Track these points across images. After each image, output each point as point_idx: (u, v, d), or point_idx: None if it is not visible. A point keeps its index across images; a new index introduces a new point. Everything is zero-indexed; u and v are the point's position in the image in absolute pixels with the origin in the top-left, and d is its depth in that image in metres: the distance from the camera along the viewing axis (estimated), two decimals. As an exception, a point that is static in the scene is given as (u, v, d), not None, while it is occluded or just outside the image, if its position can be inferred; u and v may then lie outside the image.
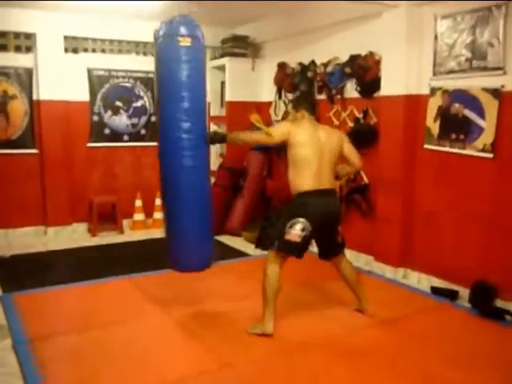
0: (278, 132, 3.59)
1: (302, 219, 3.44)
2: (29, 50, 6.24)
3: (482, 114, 4.10)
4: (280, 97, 6.51)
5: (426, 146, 4.60)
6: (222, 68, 7.08)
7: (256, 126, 3.91)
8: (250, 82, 6.89)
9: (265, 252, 3.60)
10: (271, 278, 3.48)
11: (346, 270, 3.85)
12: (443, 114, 4.42)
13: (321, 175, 3.53)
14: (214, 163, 7.32)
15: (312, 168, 3.51)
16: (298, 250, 3.50)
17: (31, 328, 3.63)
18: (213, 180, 7.17)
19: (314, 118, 3.72)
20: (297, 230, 3.43)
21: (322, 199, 3.55)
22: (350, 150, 3.74)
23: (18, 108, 6.25)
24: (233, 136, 3.85)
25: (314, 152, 3.51)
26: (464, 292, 4.23)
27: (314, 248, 3.86)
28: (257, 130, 3.75)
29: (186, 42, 3.58)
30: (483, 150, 4.11)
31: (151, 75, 6.78)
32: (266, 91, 6.86)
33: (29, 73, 6.22)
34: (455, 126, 4.32)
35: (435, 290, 4.44)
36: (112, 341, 3.47)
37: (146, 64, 6.83)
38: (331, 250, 3.81)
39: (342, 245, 3.83)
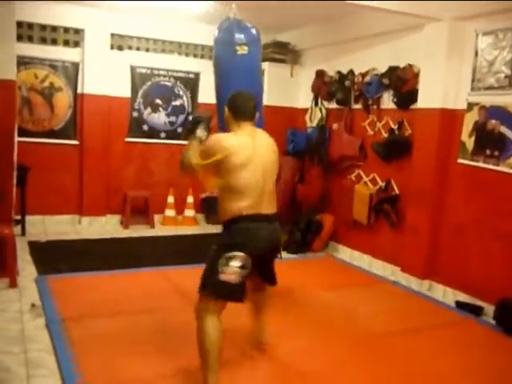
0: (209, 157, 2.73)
1: (240, 253, 2.66)
2: (77, 44, 6.46)
3: (518, 132, 4.11)
4: (316, 104, 6.57)
5: (460, 160, 4.61)
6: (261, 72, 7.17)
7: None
8: (288, 88, 6.98)
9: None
10: (213, 335, 2.72)
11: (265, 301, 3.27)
12: (479, 130, 4.43)
13: (262, 198, 2.80)
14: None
15: (254, 192, 2.76)
16: (236, 292, 2.74)
17: (63, 309, 3.79)
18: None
19: (251, 124, 2.91)
20: (233, 267, 2.67)
21: (265, 225, 2.80)
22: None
23: (63, 100, 6.47)
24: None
25: (256, 174, 2.76)
26: (489, 309, 4.23)
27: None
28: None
29: (243, 50, 3.62)
30: (517, 168, 4.11)
31: (191, 75, 7.03)
32: (302, 98, 6.94)
33: (75, 67, 6.45)
34: (490, 142, 4.33)
35: (460, 305, 4.44)
36: (139, 327, 3.60)
37: (187, 64, 7.04)
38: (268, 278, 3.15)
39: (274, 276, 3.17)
